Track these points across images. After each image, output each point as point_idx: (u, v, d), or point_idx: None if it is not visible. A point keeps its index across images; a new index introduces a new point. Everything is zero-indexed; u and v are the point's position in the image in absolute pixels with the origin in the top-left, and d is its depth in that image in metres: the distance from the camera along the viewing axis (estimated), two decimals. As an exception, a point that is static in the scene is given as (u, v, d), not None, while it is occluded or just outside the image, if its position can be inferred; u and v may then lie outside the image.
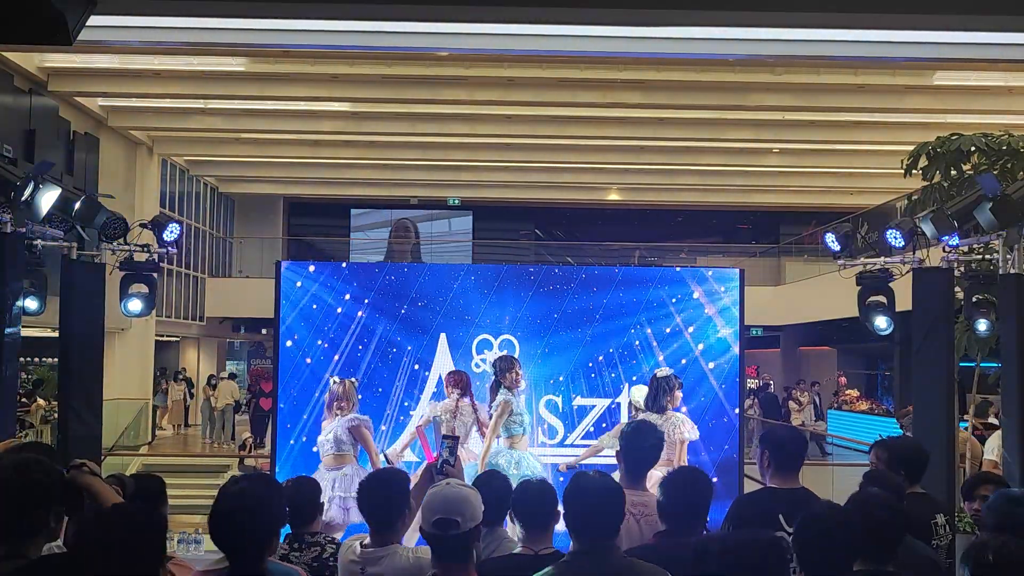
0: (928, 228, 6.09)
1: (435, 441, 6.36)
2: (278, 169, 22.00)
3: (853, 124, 17.05)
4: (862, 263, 6.91)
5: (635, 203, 25.00)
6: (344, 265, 7.63)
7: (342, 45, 9.31)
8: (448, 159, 20.14)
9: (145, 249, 6.88)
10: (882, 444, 4.54)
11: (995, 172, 7.22)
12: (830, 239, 6.91)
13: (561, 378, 6.78)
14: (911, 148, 8.50)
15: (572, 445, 6.76)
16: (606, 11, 6.89)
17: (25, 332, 6.18)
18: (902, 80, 14.56)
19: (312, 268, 6.89)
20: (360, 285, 6.79)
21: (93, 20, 4.38)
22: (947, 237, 6.16)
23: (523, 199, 24.58)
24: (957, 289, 6.55)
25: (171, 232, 6.85)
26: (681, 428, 6.21)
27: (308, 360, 6.70)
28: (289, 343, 6.71)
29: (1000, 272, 5.91)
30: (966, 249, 6.37)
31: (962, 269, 6.44)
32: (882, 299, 6.81)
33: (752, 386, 22.31)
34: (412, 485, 3.43)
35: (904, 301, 6.69)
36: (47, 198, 5.68)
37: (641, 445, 4.10)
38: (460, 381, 6.50)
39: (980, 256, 6.37)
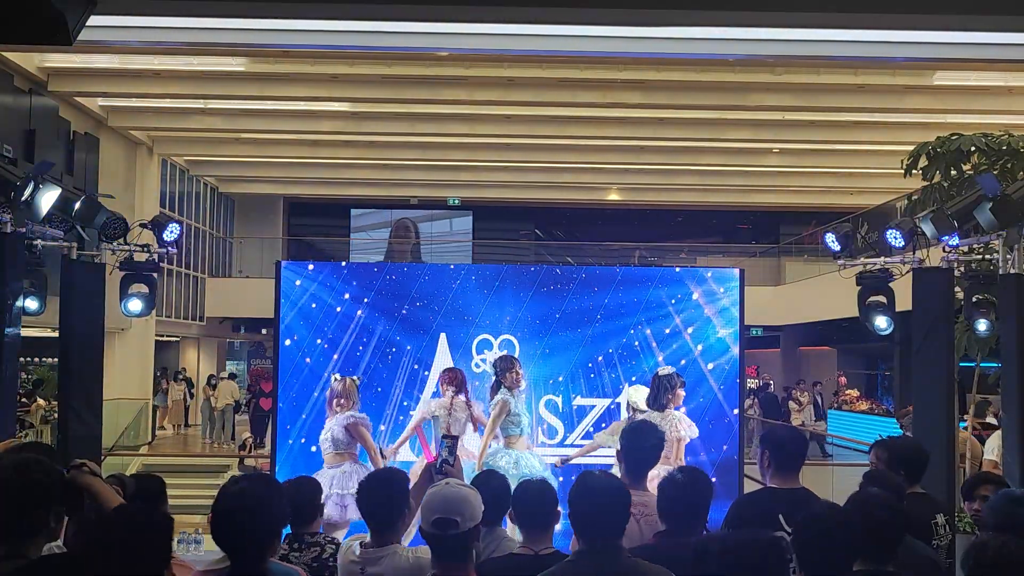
0: (928, 228, 6.09)
1: (434, 440, 6.37)
2: (278, 169, 22.00)
3: (853, 124, 17.05)
4: (862, 263, 6.91)
5: (635, 203, 25.00)
6: (344, 265, 7.64)
7: (342, 45, 9.31)
8: (448, 159, 20.14)
9: (145, 249, 6.89)
10: (882, 444, 4.54)
11: (995, 172, 7.22)
12: (830, 239, 6.91)
13: (560, 378, 6.79)
14: (911, 148, 8.50)
15: (572, 445, 6.76)
16: (606, 11, 6.89)
17: (25, 332, 6.18)
18: (902, 80, 14.56)
19: (312, 268, 6.89)
20: (360, 285, 6.80)
21: (93, 20, 4.38)
22: (947, 237, 6.16)
23: (523, 199, 24.58)
24: (957, 289, 6.55)
25: (171, 232, 6.85)
26: (678, 426, 6.21)
27: (308, 360, 6.70)
28: (289, 343, 6.71)
29: (1000, 272, 5.91)
30: (966, 249, 6.37)
31: (962, 269, 6.44)
32: (882, 299, 6.81)
33: (752, 386, 22.31)
34: (411, 485, 3.43)
35: (904, 301, 6.69)
36: (47, 198, 5.68)
37: (642, 445, 4.10)
38: (455, 378, 6.50)
39: (980, 256, 6.37)
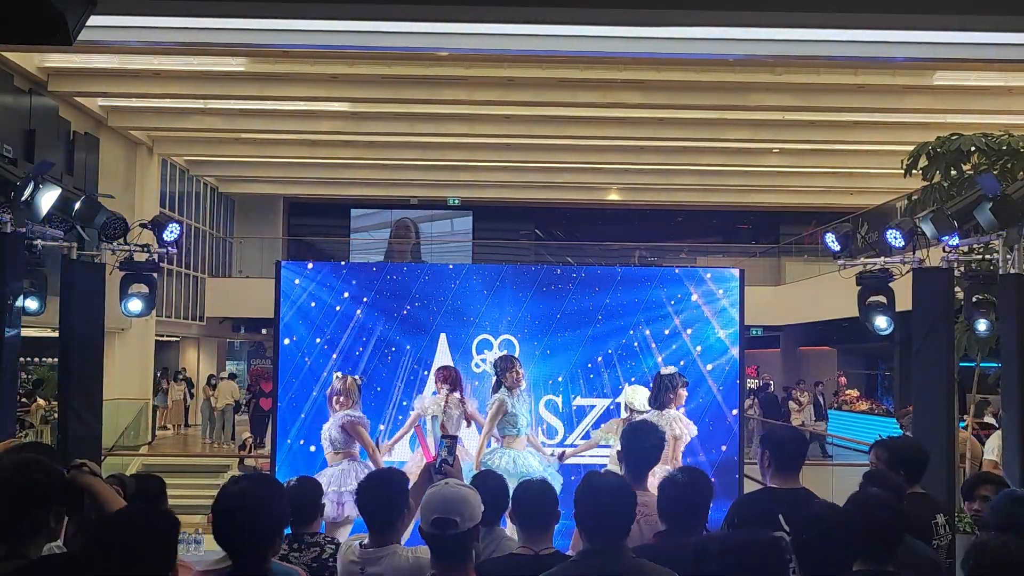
0: (928, 228, 6.09)
1: (433, 440, 6.37)
2: (278, 169, 22.00)
3: (853, 124, 17.05)
4: (862, 263, 6.91)
5: (635, 203, 25.00)
6: (344, 265, 7.64)
7: (342, 45, 9.31)
8: (448, 159, 20.14)
9: (145, 249, 6.89)
10: (882, 444, 4.54)
11: (995, 172, 7.22)
12: (830, 239, 6.91)
13: (560, 379, 6.79)
14: (911, 148, 8.50)
15: (572, 445, 6.77)
16: (606, 11, 6.89)
17: (25, 332, 6.19)
18: (902, 80, 14.56)
19: (312, 268, 6.90)
20: (360, 285, 6.80)
21: (93, 20, 4.39)
22: (947, 237, 6.16)
23: (523, 199, 24.58)
24: (957, 289, 6.55)
25: (171, 232, 6.85)
26: (673, 425, 6.22)
27: (308, 360, 6.70)
28: (289, 342, 6.72)
29: (1000, 272, 5.90)
30: (966, 249, 6.37)
31: (962, 269, 6.44)
32: (882, 299, 6.81)
33: (752, 386, 22.31)
34: (411, 484, 3.43)
35: (904, 301, 6.69)
36: (47, 198, 5.68)
37: (642, 445, 4.10)
38: (449, 376, 6.51)
39: (980, 256, 6.37)
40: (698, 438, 6.51)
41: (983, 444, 8.41)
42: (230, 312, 23.69)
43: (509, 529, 3.81)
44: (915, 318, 6.48)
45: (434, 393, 6.59)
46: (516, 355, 6.63)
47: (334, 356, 6.69)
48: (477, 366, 6.80)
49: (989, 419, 11.71)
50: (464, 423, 6.51)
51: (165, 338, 22.07)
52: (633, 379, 6.69)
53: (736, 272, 6.93)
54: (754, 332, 23.27)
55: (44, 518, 2.70)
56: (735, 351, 6.78)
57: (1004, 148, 7.74)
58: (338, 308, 6.74)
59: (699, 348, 6.76)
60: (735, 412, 6.76)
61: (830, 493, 5.82)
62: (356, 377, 6.49)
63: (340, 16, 7.36)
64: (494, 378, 6.52)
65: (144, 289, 6.89)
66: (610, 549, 2.92)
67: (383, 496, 3.24)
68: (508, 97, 15.55)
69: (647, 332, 6.77)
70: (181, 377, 21.92)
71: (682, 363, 6.68)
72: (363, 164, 20.80)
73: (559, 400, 6.80)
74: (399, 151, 19.80)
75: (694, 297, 6.78)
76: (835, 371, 24.09)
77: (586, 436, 6.74)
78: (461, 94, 15.49)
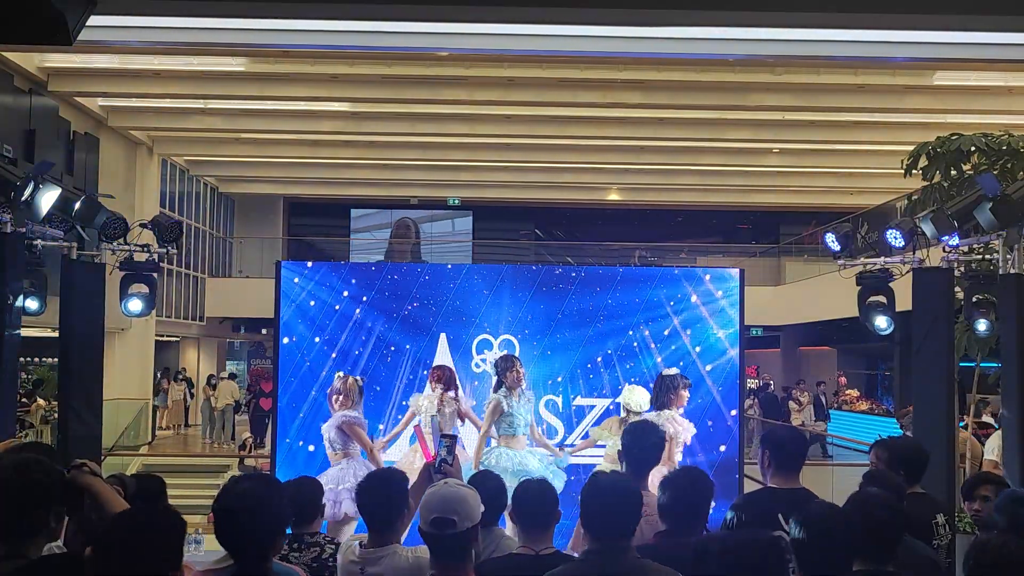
0: (928, 228, 6.09)
1: (432, 439, 6.37)
2: (278, 169, 22.00)
3: (853, 124, 17.05)
4: (862, 263, 6.91)
5: (635, 203, 25.00)
6: (344, 265, 7.64)
7: (342, 45, 9.31)
8: (448, 159, 20.14)
9: (145, 249, 6.89)
10: (882, 444, 4.54)
11: (995, 172, 7.21)
12: (830, 239, 6.91)
13: (560, 379, 6.79)
14: (911, 148, 8.50)
15: (572, 445, 6.77)
16: (606, 11, 6.89)
17: (25, 332, 6.19)
18: (902, 80, 14.56)
19: (312, 268, 6.90)
20: (360, 285, 6.80)
21: (93, 20, 4.38)
22: (947, 237, 6.16)
23: (523, 199, 24.58)
24: (957, 289, 6.54)
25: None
26: (668, 424, 6.22)
27: (308, 360, 6.70)
28: (287, 341, 6.72)
29: (1000, 272, 5.90)
30: (966, 249, 6.37)
31: (962, 269, 6.44)
32: (882, 299, 6.81)
33: (752, 386, 22.31)
34: (410, 484, 3.43)
35: (904, 301, 6.69)
36: (47, 198, 5.69)
37: (643, 444, 4.11)
38: (443, 376, 6.51)
39: (980, 256, 6.36)
40: (697, 438, 6.51)
41: (982, 444, 8.41)
42: (230, 312, 23.69)
43: (509, 529, 3.81)
44: (915, 318, 6.48)
45: (409, 396, 6.58)
46: (516, 355, 6.63)
47: (334, 356, 6.70)
48: (477, 366, 6.80)
49: (987, 419, 11.71)
50: (459, 421, 6.51)
51: (165, 338, 22.07)
52: (634, 379, 6.69)
53: (736, 272, 6.93)
54: (754, 332, 23.27)
55: (44, 518, 2.70)
56: (734, 352, 6.78)
57: (1004, 148, 7.74)
58: (338, 308, 6.74)
59: (698, 349, 6.76)
60: (734, 412, 6.76)
61: (830, 493, 5.83)
62: (357, 378, 6.50)
63: (340, 16, 7.36)
64: (495, 378, 6.52)
65: (144, 289, 6.89)
66: (615, 549, 2.92)
67: (383, 496, 3.24)
68: (508, 97, 15.55)
69: (646, 332, 6.77)
70: (181, 377, 21.92)
71: (681, 363, 6.69)
72: (363, 164, 20.80)
73: (559, 400, 6.80)
74: (399, 151, 19.80)
75: (693, 298, 6.79)
76: (835, 371, 24.09)
77: (587, 436, 6.74)
78: (461, 94, 15.49)
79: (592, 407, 6.79)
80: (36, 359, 19.63)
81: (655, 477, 4.11)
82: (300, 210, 27.29)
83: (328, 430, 6.39)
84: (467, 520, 2.78)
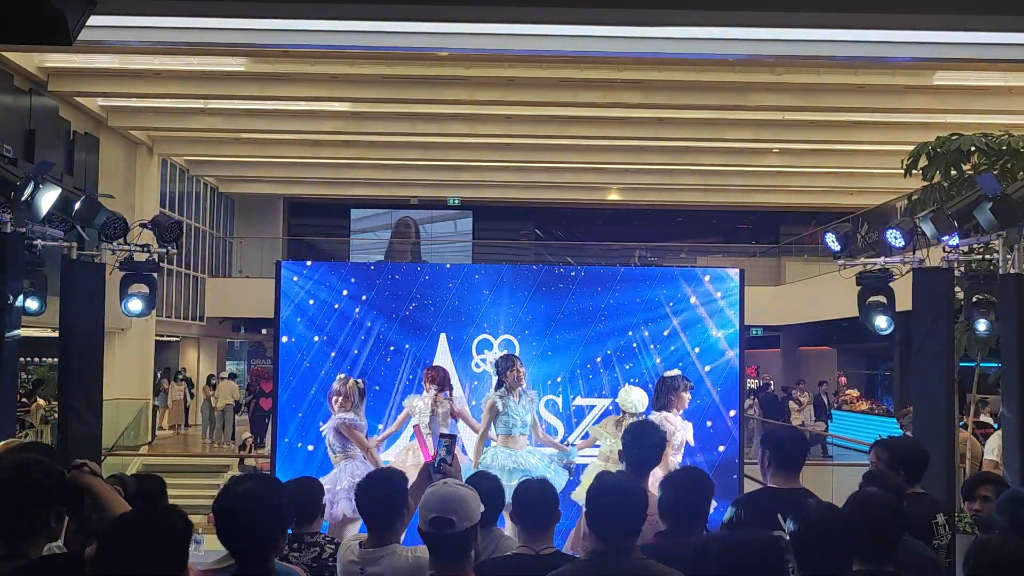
0: (928, 228, 6.09)
1: (432, 439, 6.37)
2: (278, 169, 22.00)
3: (853, 124, 17.05)
4: (862, 263, 6.91)
5: (635, 203, 24.99)
6: (345, 265, 7.64)
7: (342, 45, 9.31)
8: (448, 159, 20.14)
9: (145, 249, 6.89)
10: (882, 444, 4.54)
11: (995, 172, 7.21)
12: (830, 239, 6.91)
13: (559, 379, 6.79)
14: (911, 148, 8.50)
15: (572, 445, 6.76)
16: (606, 11, 6.89)
17: (25, 332, 6.19)
18: (902, 80, 14.55)
19: (313, 268, 6.90)
20: (361, 285, 6.80)
21: (93, 20, 4.39)
22: (947, 237, 6.16)
23: (523, 199, 24.57)
24: (957, 289, 6.54)
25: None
26: (664, 425, 6.22)
27: (307, 361, 6.70)
28: (287, 340, 6.72)
29: (1000, 272, 5.91)
30: (966, 249, 6.37)
31: (962, 269, 6.44)
32: (882, 299, 6.81)
33: (752, 386, 22.31)
34: (409, 484, 3.43)
35: (904, 301, 6.69)
36: (47, 198, 5.69)
37: (643, 444, 4.11)
38: (437, 376, 6.50)
39: (980, 256, 6.37)
40: (696, 438, 6.50)
41: (982, 444, 8.41)
42: (230, 312, 23.69)
43: (509, 529, 3.81)
44: (915, 318, 6.48)
45: (417, 392, 6.58)
46: (516, 355, 6.63)
47: (333, 355, 6.70)
48: (477, 366, 6.80)
49: (984, 418, 11.71)
50: (451, 421, 6.51)
51: (165, 338, 22.07)
52: (635, 380, 6.69)
53: (735, 273, 6.93)
54: (754, 332, 23.27)
55: (44, 518, 2.70)
56: (733, 352, 6.78)
57: (1004, 148, 7.74)
58: (338, 308, 6.74)
59: (697, 350, 6.76)
60: (733, 413, 6.76)
61: (830, 493, 5.83)
62: (358, 380, 6.48)
63: (340, 16, 7.36)
64: (495, 378, 6.51)
65: (144, 289, 6.89)
66: (620, 549, 2.92)
67: (382, 496, 3.24)
68: (509, 97, 15.55)
69: (646, 333, 6.78)
70: (181, 377, 21.92)
71: (680, 364, 6.69)
72: (364, 164, 20.79)
73: (559, 400, 6.80)
74: (400, 151, 19.80)
75: (692, 299, 6.79)
76: (835, 371, 24.09)
77: (587, 436, 6.73)
78: (462, 94, 15.49)
79: (592, 407, 6.79)
80: (36, 359, 19.63)
81: (651, 479, 4.12)
82: (300, 210, 27.29)
83: (327, 432, 6.40)
84: (466, 520, 2.78)
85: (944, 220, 6.01)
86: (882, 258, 6.73)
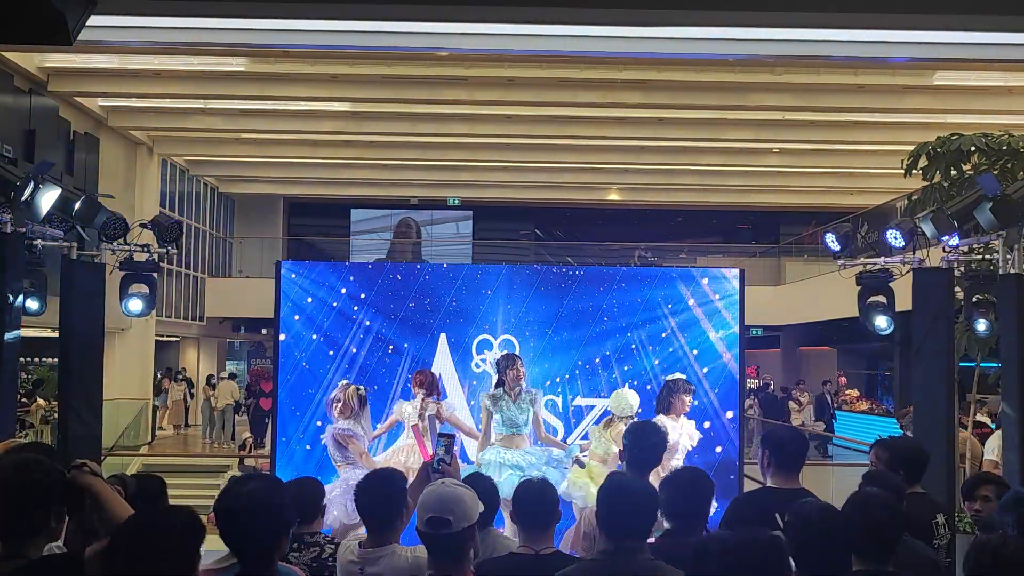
0: (928, 228, 6.09)
1: (430, 438, 6.37)
2: (278, 169, 22.00)
3: (853, 124, 17.05)
4: (862, 263, 6.91)
5: (635, 203, 25.00)
6: (345, 265, 7.65)
7: (342, 45, 9.31)
8: (448, 159, 20.14)
9: (145, 249, 6.89)
10: (882, 444, 4.54)
11: (995, 172, 7.21)
12: (830, 239, 6.91)
13: (558, 379, 6.79)
14: (911, 148, 8.49)
15: (572, 444, 6.76)
16: (606, 11, 6.89)
17: (25, 332, 6.19)
18: (902, 80, 14.55)
19: (313, 268, 6.90)
20: (361, 285, 6.80)
21: (93, 20, 4.39)
22: (947, 237, 6.16)
23: (523, 199, 24.58)
24: (957, 289, 6.54)
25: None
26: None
27: (307, 360, 6.70)
28: (289, 342, 6.71)
29: (1000, 272, 5.91)
30: (966, 249, 6.37)
31: (962, 269, 6.44)
32: (882, 299, 6.81)
33: (752, 386, 22.31)
34: (408, 484, 3.43)
35: (904, 301, 6.69)
36: (47, 198, 5.69)
37: (643, 444, 4.11)
38: (425, 380, 6.49)
39: (980, 256, 6.37)
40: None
41: (981, 444, 8.41)
42: (230, 312, 23.69)
43: (509, 529, 3.81)
44: (915, 318, 6.48)
45: (411, 397, 6.57)
46: (517, 354, 6.62)
47: (331, 353, 6.70)
48: (477, 366, 6.80)
49: (981, 418, 11.69)
50: (439, 424, 6.51)
51: (165, 338, 22.07)
52: (634, 382, 6.70)
53: (733, 273, 6.92)
54: (754, 332, 23.27)
55: (44, 518, 2.70)
56: (730, 354, 6.78)
57: (1004, 148, 7.73)
58: (339, 308, 6.74)
59: (695, 351, 6.76)
60: (730, 415, 6.75)
61: (830, 493, 5.83)
62: (359, 387, 6.46)
63: (340, 16, 7.36)
64: (495, 377, 6.51)
65: (144, 289, 6.89)
66: (629, 550, 2.92)
67: (382, 496, 3.24)
68: (509, 97, 15.55)
69: (644, 334, 6.78)
70: (181, 377, 21.92)
71: (678, 366, 6.69)
72: (363, 164, 20.80)
73: (559, 400, 6.80)
74: (400, 151, 19.80)
75: (690, 301, 6.79)
76: (835, 371, 24.09)
77: (586, 436, 6.73)
78: (462, 94, 15.49)
79: (592, 407, 6.79)
80: (36, 359, 19.63)
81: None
82: (300, 210, 27.29)
83: (328, 442, 6.40)
84: (463, 520, 2.77)
85: (944, 220, 6.01)
86: (882, 258, 6.73)
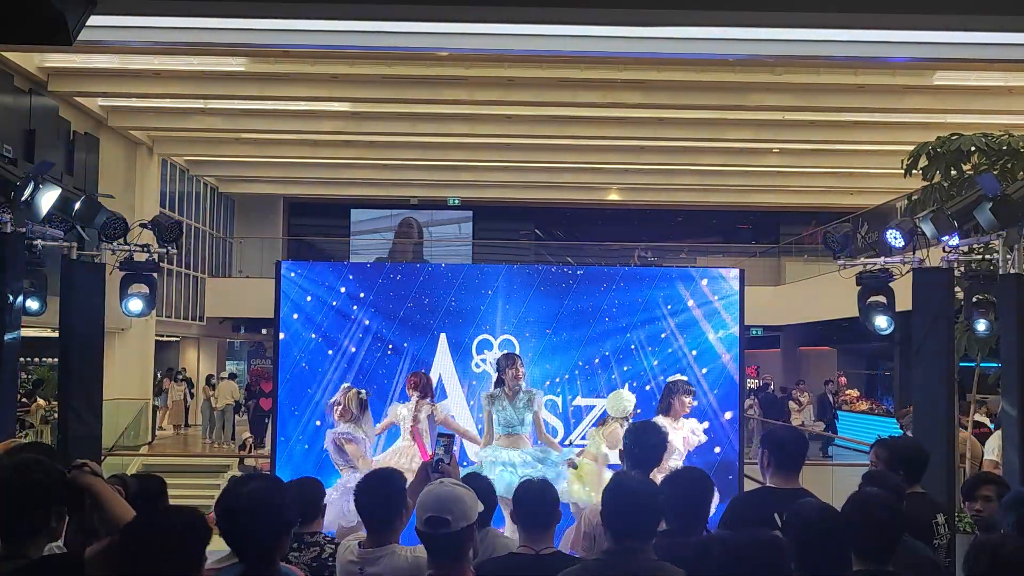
0: (928, 228, 6.09)
1: (430, 438, 6.37)
2: (278, 169, 22.00)
3: (853, 124, 17.04)
4: (862, 263, 6.91)
5: (635, 203, 24.99)
6: (345, 265, 7.65)
7: (342, 45, 9.31)
8: (448, 159, 20.14)
9: (145, 249, 6.89)
10: (882, 444, 4.54)
11: (995, 172, 7.21)
12: (830, 239, 6.91)
13: (557, 379, 6.79)
14: (911, 148, 8.49)
15: (572, 445, 6.76)
16: (606, 11, 6.89)
17: (25, 332, 6.19)
18: (902, 80, 14.55)
19: (313, 268, 6.91)
20: (361, 285, 6.81)
21: (93, 20, 4.39)
22: (947, 237, 6.16)
23: (523, 199, 24.58)
24: (957, 289, 6.54)
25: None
26: None
27: (307, 360, 6.70)
28: (289, 342, 6.71)
29: (1000, 272, 5.91)
30: (966, 249, 6.37)
31: (962, 269, 6.44)
32: (882, 299, 6.81)
33: (752, 386, 22.31)
34: (408, 484, 3.43)
35: (904, 301, 6.69)
36: (47, 198, 5.68)
37: (644, 444, 4.11)
38: (419, 382, 6.49)
39: (980, 256, 6.36)
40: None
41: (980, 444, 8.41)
42: (230, 312, 23.68)
43: (509, 529, 3.81)
44: (915, 318, 6.48)
45: (406, 400, 6.56)
46: (517, 354, 6.62)
47: (330, 352, 6.71)
48: (477, 366, 6.80)
49: (980, 418, 11.69)
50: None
51: (165, 338, 22.07)
52: (635, 382, 6.71)
53: (732, 273, 6.92)
54: (754, 332, 23.26)
55: (44, 518, 2.70)
56: (729, 355, 6.79)
57: (1004, 148, 7.72)
58: (339, 308, 6.74)
59: (694, 352, 6.76)
60: (728, 415, 6.76)
61: (830, 493, 5.82)
62: (360, 391, 6.45)
63: (340, 16, 7.37)
64: (495, 376, 6.51)
65: (144, 289, 6.89)
66: (633, 550, 2.92)
67: (381, 496, 3.24)
68: (509, 97, 15.55)
69: (643, 334, 6.78)
70: (181, 377, 21.92)
71: (677, 367, 6.70)
72: (363, 164, 20.79)
73: (559, 400, 6.80)
74: (400, 151, 19.80)
75: (689, 301, 6.80)
76: (835, 371, 24.09)
77: (586, 436, 6.73)
78: (462, 94, 15.49)
79: (591, 407, 6.79)
80: (36, 359, 19.63)
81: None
82: (300, 210, 27.28)
83: (328, 445, 6.41)
84: (462, 520, 2.77)
85: (944, 220, 6.01)
86: (882, 258, 6.73)
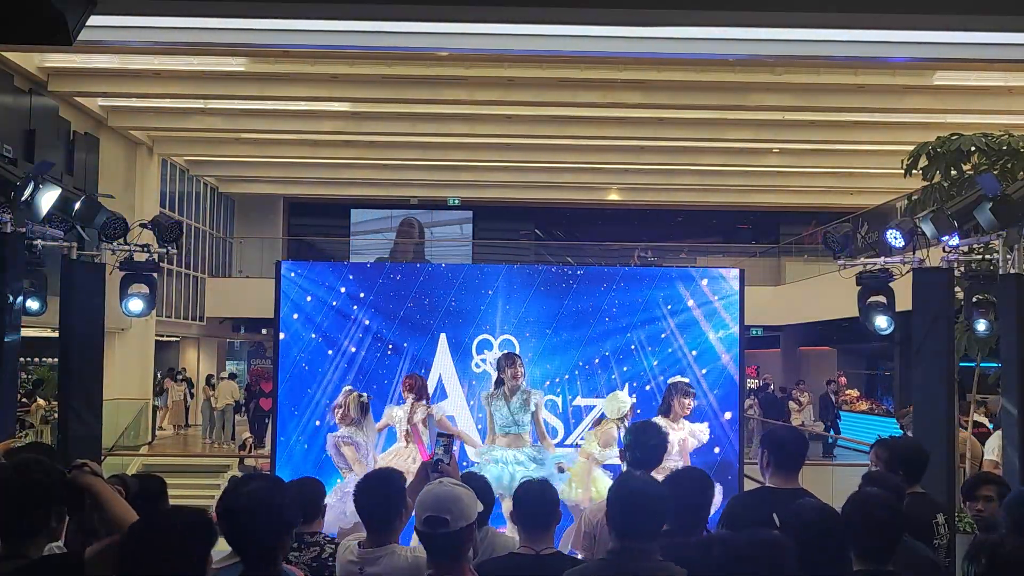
0: (928, 228, 6.09)
1: (429, 438, 6.37)
2: (278, 169, 22.00)
3: (853, 124, 17.05)
4: (862, 263, 6.91)
5: (635, 203, 24.99)
6: (345, 265, 7.65)
7: (342, 45, 9.31)
8: (448, 159, 20.14)
9: (145, 249, 6.89)
10: (882, 443, 4.55)
11: (995, 172, 7.21)
12: (830, 239, 6.91)
13: (557, 379, 6.79)
14: (911, 148, 8.49)
15: (572, 445, 6.76)
16: (606, 11, 6.89)
17: (25, 332, 6.19)
18: (902, 80, 14.55)
19: (313, 268, 6.91)
20: (361, 285, 6.81)
21: (93, 20, 4.39)
22: (947, 237, 6.16)
23: (523, 199, 24.58)
24: (957, 289, 6.54)
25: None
26: None
27: (308, 360, 6.70)
28: (289, 342, 6.71)
29: (1000, 272, 5.91)
30: (966, 249, 6.37)
31: (962, 269, 6.44)
32: (882, 299, 6.81)
33: (752, 386, 22.31)
34: (407, 484, 3.43)
35: (904, 301, 6.69)
36: (47, 198, 5.68)
37: (644, 444, 4.12)
38: (415, 384, 6.49)
39: (980, 256, 6.37)
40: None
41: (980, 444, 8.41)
42: (230, 312, 23.68)
43: (509, 529, 3.81)
44: (915, 318, 6.48)
45: (401, 402, 6.56)
46: (517, 354, 6.62)
47: (330, 352, 6.71)
48: (477, 366, 6.80)
49: (979, 418, 11.68)
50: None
51: (165, 338, 22.07)
52: (634, 383, 6.71)
53: (732, 273, 6.92)
54: (754, 332, 23.26)
55: (44, 518, 2.70)
56: (729, 355, 6.79)
57: (1004, 148, 7.72)
58: (339, 308, 6.74)
59: (694, 353, 6.76)
60: (728, 416, 6.76)
61: (830, 493, 5.83)
62: (361, 395, 6.45)
63: (340, 16, 7.37)
64: (495, 375, 6.51)
65: (144, 289, 6.89)
66: (638, 550, 2.92)
67: (381, 496, 3.24)
68: (509, 97, 15.55)
69: (643, 334, 6.78)
70: (181, 377, 21.92)
71: (677, 367, 6.70)
72: (363, 164, 20.80)
73: (559, 400, 6.80)
74: (400, 151, 19.80)
75: (689, 301, 6.80)
76: (835, 371, 24.09)
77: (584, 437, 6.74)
78: (462, 94, 15.49)
79: (591, 407, 6.79)
80: (36, 359, 19.63)
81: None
82: (300, 210, 27.28)
83: (330, 448, 6.41)
84: (461, 519, 2.77)
85: (944, 220, 6.01)
86: (882, 258, 6.73)
